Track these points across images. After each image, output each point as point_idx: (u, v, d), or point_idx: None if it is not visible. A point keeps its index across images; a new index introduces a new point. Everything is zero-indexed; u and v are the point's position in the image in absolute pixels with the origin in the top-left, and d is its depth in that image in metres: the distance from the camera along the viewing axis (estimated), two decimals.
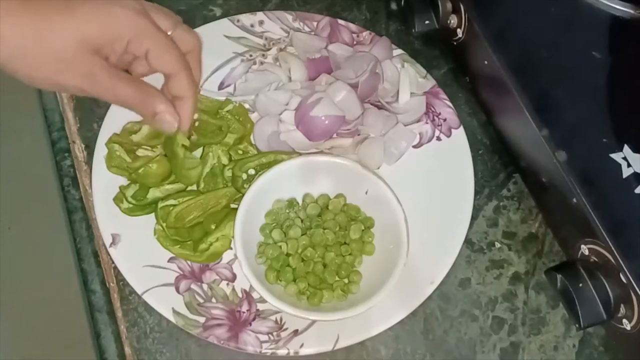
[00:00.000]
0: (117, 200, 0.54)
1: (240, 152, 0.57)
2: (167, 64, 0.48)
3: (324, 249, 0.53)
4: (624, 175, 0.48)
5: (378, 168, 0.57)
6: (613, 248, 0.45)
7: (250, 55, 0.62)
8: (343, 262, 0.53)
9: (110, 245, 0.53)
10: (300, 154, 0.56)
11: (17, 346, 1.26)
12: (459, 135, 0.59)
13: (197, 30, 0.62)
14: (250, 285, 0.51)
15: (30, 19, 0.43)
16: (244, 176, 0.55)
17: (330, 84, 0.58)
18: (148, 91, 0.48)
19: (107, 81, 0.46)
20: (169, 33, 0.49)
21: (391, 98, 0.60)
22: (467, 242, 0.56)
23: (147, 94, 0.48)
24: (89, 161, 0.56)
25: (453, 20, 0.57)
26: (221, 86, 0.61)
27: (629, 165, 0.49)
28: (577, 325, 0.48)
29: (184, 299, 0.52)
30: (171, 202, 0.54)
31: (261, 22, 0.63)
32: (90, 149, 0.57)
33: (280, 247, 0.53)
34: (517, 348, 0.53)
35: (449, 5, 0.57)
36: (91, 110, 0.59)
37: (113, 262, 0.53)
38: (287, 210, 0.55)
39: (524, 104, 0.51)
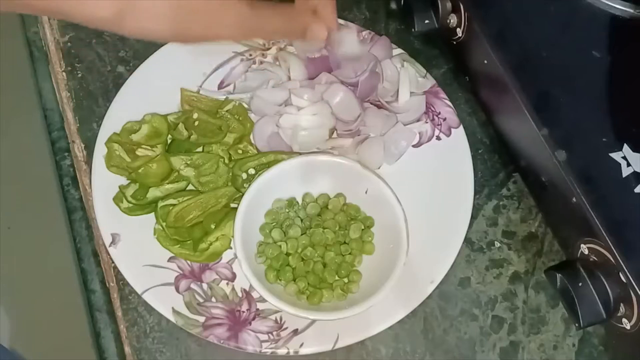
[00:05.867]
0: (117, 199, 0.54)
1: (240, 151, 0.57)
2: None
3: (324, 248, 0.53)
4: (624, 175, 0.48)
5: (379, 168, 0.57)
6: (613, 247, 0.45)
7: (250, 55, 0.62)
8: (343, 261, 0.53)
9: (110, 245, 0.53)
10: (300, 154, 0.56)
11: (17, 346, 1.26)
12: (459, 134, 0.59)
13: None
14: (250, 285, 0.51)
15: None
16: (244, 176, 0.55)
17: (329, 84, 0.58)
18: (293, 9, 0.49)
19: (258, 14, 0.46)
20: None
21: (391, 97, 0.60)
22: (467, 241, 0.56)
23: (296, 12, 0.49)
24: (89, 161, 0.56)
25: (453, 20, 0.57)
26: (221, 85, 0.60)
27: (628, 164, 0.48)
28: (576, 325, 0.48)
29: (183, 299, 0.52)
30: (171, 201, 0.54)
31: None
32: (89, 148, 0.57)
33: (280, 246, 0.53)
34: (516, 347, 0.53)
35: (449, 5, 0.57)
36: (91, 110, 0.59)
37: (113, 262, 0.53)
38: (287, 210, 0.55)
39: (524, 104, 0.51)
